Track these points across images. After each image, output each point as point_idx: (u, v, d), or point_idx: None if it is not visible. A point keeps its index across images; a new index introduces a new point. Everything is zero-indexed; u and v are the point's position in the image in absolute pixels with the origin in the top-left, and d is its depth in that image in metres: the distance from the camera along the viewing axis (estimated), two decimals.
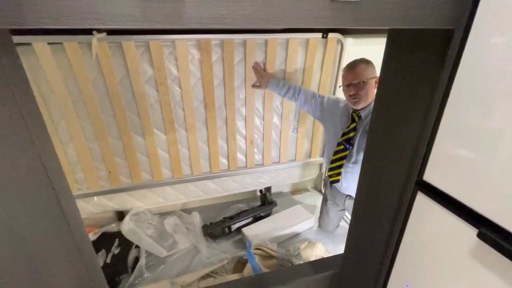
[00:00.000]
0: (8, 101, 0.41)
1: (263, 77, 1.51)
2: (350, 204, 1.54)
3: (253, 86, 1.56)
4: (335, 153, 1.45)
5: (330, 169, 1.49)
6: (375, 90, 1.28)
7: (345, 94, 1.37)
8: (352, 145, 1.38)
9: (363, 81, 1.27)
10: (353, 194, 1.48)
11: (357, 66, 1.29)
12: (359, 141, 1.36)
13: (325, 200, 1.70)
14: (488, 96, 0.46)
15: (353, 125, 1.37)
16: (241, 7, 0.37)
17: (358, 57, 1.34)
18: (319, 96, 1.54)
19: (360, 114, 1.35)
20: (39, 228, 0.45)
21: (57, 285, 0.50)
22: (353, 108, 1.37)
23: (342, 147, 1.41)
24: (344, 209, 1.64)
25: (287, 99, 1.57)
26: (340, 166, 1.44)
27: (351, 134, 1.38)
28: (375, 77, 1.29)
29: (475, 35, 0.47)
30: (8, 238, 0.40)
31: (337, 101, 1.51)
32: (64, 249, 0.51)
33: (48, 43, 1.20)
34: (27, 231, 0.43)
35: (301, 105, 1.56)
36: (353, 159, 1.39)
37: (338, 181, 1.48)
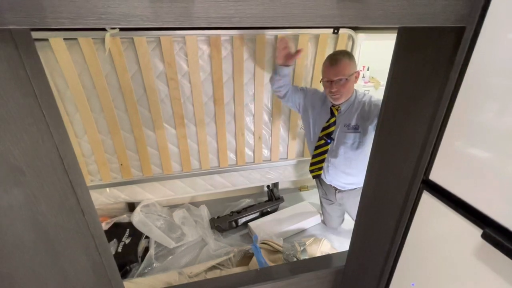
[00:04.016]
0: (28, 95, 0.44)
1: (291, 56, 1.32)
2: (341, 198, 1.54)
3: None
4: (316, 148, 1.43)
5: (312, 164, 1.48)
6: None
7: (325, 89, 1.32)
8: (332, 139, 1.37)
9: (346, 79, 1.23)
10: (338, 186, 1.49)
11: (340, 61, 1.23)
12: (340, 135, 1.34)
13: (320, 199, 1.71)
14: (498, 95, 0.45)
15: (333, 119, 1.35)
16: (248, 7, 0.38)
17: (369, 52, 1.32)
18: (300, 88, 1.48)
19: (339, 108, 1.33)
20: (57, 215, 0.49)
21: (74, 268, 0.54)
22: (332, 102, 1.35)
23: (323, 141, 1.40)
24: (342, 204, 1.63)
25: (278, 87, 1.42)
26: (322, 161, 1.43)
27: (331, 129, 1.36)
28: (356, 72, 1.25)
29: (487, 33, 0.46)
30: (31, 223, 0.43)
31: (316, 92, 1.46)
32: (80, 236, 0.55)
33: (64, 39, 1.24)
34: (47, 218, 0.46)
35: (288, 97, 1.46)
36: (333, 153, 1.38)
37: (319, 175, 1.48)
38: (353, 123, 1.30)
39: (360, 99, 1.31)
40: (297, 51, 1.30)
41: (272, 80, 1.44)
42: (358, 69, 1.29)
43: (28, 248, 0.43)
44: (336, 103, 1.32)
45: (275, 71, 1.40)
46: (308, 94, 1.47)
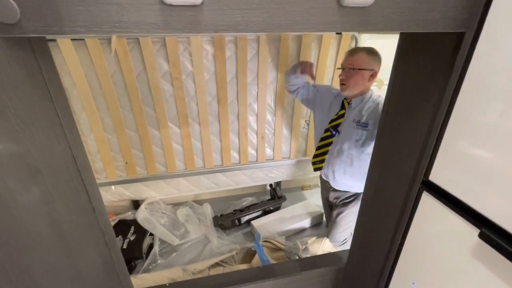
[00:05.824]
0: (45, 98, 0.46)
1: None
2: (333, 196, 1.53)
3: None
4: (321, 139, 1.43)
5: (315, 156, 1.47)
6: (369, 84, 1.26)
7: (339, 77, 1.34)
8: (338, 132, 1.36)
9: (354, 69, 1.23)
10: (336, 186, 1.48)
11: (357, 53, 1.24)
12: (347, 130, 1.33)
13: (322, 199, 1.72)
14: (497, 98, 0.46)
15: (342, 111, 1.35)
16: (253, 14, 0.39)
17: None
18: (313, 85, 1.51)
19: (350, 102, 1.33)
20: (70, 212, 0.51)
21: (85, 263, 0.56)
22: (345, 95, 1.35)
23: (328, 133, 1.40)
24: None
25: (292, 84, 1.48)
26: (325, 153, 1.43)
27: (339, 121, 1.36)
28: (371, 70, 1.23)
29: (486, 37, 0.47)
30: (47, 219, 0.46)
31: (329, 88, 1.49)
32: (91, 231, 0.57)
33: (71, 39, 1.26)
34: (62, 214, 0.49)
35: (297, 92, 1.50)
36: (337, 147, 1.38)
37: (321, 168, 1.48)
38: (363, 120, 1.30)
39: (375, 99, 1.31)
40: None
41: (288, 75, 1.45)
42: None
43: (45, 244, 0.46)
44: (343, 92, 1.32)
45: (294, 69, 1.41)
46: (320, 91, 1.47)
